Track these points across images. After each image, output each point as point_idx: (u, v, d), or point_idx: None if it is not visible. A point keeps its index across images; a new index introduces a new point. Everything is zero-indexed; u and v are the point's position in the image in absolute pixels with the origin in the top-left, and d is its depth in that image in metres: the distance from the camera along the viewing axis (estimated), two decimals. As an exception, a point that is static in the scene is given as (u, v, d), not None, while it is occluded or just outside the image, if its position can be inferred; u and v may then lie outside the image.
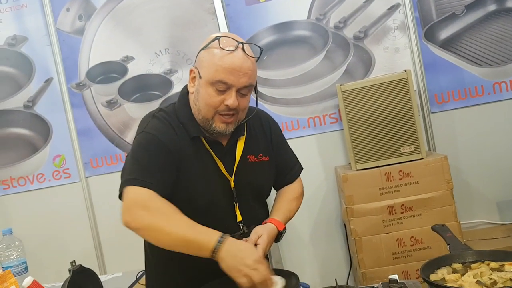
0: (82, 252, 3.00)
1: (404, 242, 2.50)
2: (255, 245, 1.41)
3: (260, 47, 1.42)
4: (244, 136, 1.53)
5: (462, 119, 2.91)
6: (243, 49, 1.37)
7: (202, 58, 1.42)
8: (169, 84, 3.09)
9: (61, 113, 3.16)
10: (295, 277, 1.29)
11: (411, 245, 2.48)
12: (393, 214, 2.50)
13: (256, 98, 1.54)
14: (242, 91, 1.40)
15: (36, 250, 2.84)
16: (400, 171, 2.51)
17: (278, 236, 1.51)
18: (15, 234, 2.11)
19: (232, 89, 1.37)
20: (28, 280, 1.06)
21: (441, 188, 2.47)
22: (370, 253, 2.51)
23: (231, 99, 1.37)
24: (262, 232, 1.44)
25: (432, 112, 2.91)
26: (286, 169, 1.67)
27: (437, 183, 2.48)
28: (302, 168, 1.73)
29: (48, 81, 3.17)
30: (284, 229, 1.52)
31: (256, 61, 1.43)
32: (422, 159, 2.55)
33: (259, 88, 3.04)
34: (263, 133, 1.61)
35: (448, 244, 1.31)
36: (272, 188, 1.68)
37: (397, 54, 2.93)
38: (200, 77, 1.41)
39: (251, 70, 1.38)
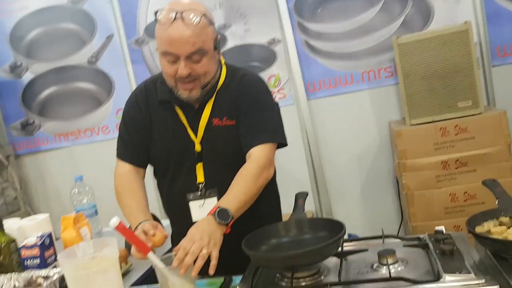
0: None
1: (457, 197, 2.49)
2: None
3: (205, 15, 1.39)
4: (213, 99, 1.53)
5: (525, 72, 2.78)
6: (182, 18, 1.37)
7: (155, 31, 1.45)
8: (223, 39, 3.11)
9: (122, 69, 3.30)
10: (340, 225, 1.31)
11: (464, 201, 2.48)
12: (447, 170, 2.49)
13: (219, 57, 1.52)
14: (193, 58, 1.41)
15: (103, 197, 3.05)
16: (457, 126, 2.47)
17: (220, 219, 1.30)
18: (85, 181, 2.30)
19: (180, 59, 1.40)
20: (115, 220, 1.13)
21: (498, 143, 2.43)
22: (422, 207, 2.53)
23: (180, 69, 1.41)
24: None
25: (493, 66, 2.80)
26: (247, 132, 1.51)
27: (494, 139, 2.43)
28: (277, 140, 1.52)
29: (109, 38, 3.30)
30: (218, 210, 1.31)
31: (216, 23, 1.43)
32: (480, 114, 2.49)
33: (312, 42, 3.03)
34: (230, 95, 1.54)
35: (497, 198, 1.32)
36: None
37: (457, 4, 2.80)
38: (157, 49, 1.46)
39: (192, 37, 1.37)
